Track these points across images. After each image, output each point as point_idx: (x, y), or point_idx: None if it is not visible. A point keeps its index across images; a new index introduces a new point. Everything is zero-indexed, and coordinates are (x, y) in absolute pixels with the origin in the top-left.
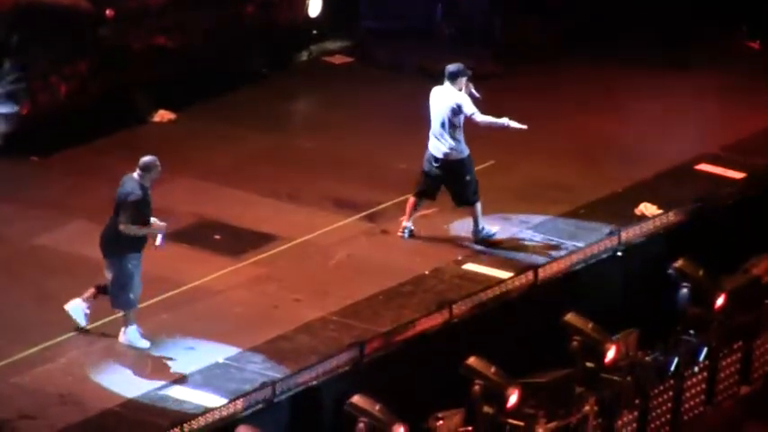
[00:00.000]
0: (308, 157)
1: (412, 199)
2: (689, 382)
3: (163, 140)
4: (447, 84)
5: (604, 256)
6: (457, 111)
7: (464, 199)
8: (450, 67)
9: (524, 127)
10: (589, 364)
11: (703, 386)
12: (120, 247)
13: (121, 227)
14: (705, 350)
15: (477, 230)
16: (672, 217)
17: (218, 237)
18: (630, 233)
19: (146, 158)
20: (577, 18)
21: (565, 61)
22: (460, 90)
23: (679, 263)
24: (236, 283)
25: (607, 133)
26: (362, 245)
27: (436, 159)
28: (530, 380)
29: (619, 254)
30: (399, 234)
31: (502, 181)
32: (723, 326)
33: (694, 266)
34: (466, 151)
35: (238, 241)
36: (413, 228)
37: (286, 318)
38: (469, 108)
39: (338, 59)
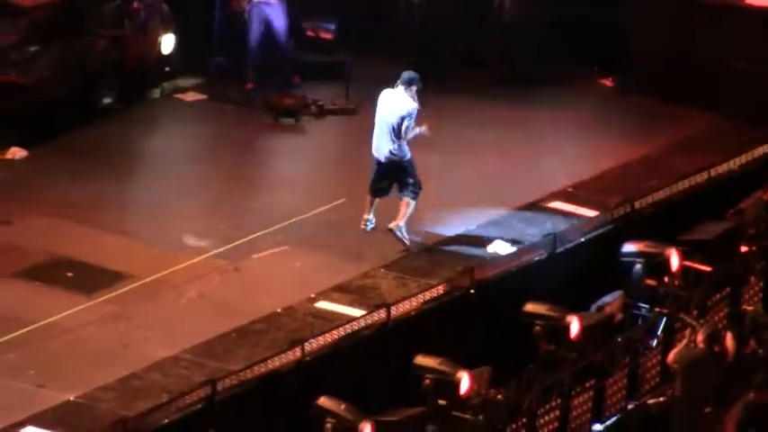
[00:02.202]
0: (161, 194)
1: (369, 197)
2: (541, 421)
3: (15, 178)
4: (400, 89)
5: (457, 293)
6: (406, 117)
7: (404, 193)
8: (406, 74)
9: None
10: (441, 402)
11: (556, 425)
12: None
13: None
14: (558, 388)
15: (398, 225)
16: (524, 255)
17: (70, 274)
18: (483, 271)
19: None
20: (429, 54)
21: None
22: (412, 98)
23: (528, 306)
24: (88, 321)
25: (457, 171)
26: (214, 283)
27: (379, 162)
28: (381, 418)
29: (472, 291)
30: (362, 227)
31: (354, 218)
32: (576, 364)
33: (544, 307)
34: (408, 154)
35: (91, 279)
36: (374, 220)
37: (138, 356)
38: (413, 121)
39: (190, 96)
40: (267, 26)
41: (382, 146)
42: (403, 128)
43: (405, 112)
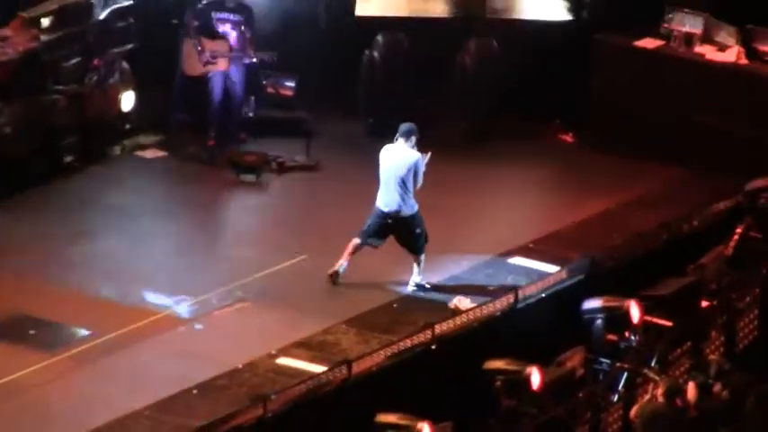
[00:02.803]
0: (122, 251)
1: (356, 241)
2: None
3: None
4: (400, 141)
5: (418, 349)
6: (413, 169)
7: (413, 249)
8: (404, 126)
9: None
10: None
11: None
12: None
13: None
14: None
15: (417, 283)
16: (485, 310)
17: (32, 332)
18: (444, 327)
19: None
20: (386, 111)
21: (378, 154)
22: (413, 147)
23: (488, 364)
24: (49, 378)
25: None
26: (176, 339)
27: (386, 215)
28: None
29: (433, 347)
30: (330, 272)
31: (315, 274)
32: (537, 419)
33: (503, 361)
34: (415, 207)
35: (52, 336)
36: (346, 268)
37: (99, 413)
38: (421, 173)
39: (150, 153)
40: (228, 83)
41: (393, 200)
42: (418, 179)
43: (411, 162)
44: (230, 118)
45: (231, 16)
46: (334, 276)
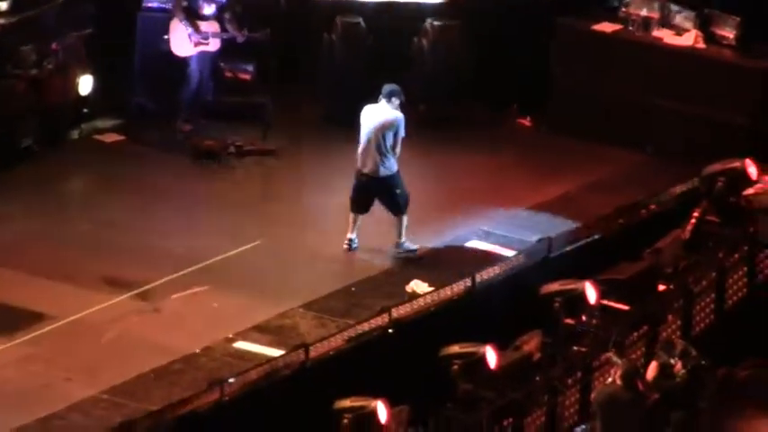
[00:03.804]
0: (80, 236)
1: (351, 215)
2: None
3: None
4: (383, 102)
5: (375, 333)
6: (393, 131)
7: (394, 210)
8: (387, 87)
9: None
10: None
11: None
12: None
13: None
14: (476, 427)
15: (399, 243)
16: (442, 294)
17: None
18: (402, 311)
19: None
20: (345, 95)
21: (335, 138)
22: (396, 109)
23: (443, 351)
24: (6, 363)
25: (375, 212)
26: (134, 323)
27: (365, 175)
28: None
29: (390, 331)
30: (345, 247)
31: (270, 260)
32: (494, 402)
33: (458, 345)
34: (395, 167)
35: (9, 320)
36: (357, 240)
37: (57, 397)
38: (404, 130)
39: (109, 138)
40: (206, 68)
41: (370, 161)
42: (398, 139)
43: (391, 124)
44: (198, 101)
45: None
46: (349, 244)
